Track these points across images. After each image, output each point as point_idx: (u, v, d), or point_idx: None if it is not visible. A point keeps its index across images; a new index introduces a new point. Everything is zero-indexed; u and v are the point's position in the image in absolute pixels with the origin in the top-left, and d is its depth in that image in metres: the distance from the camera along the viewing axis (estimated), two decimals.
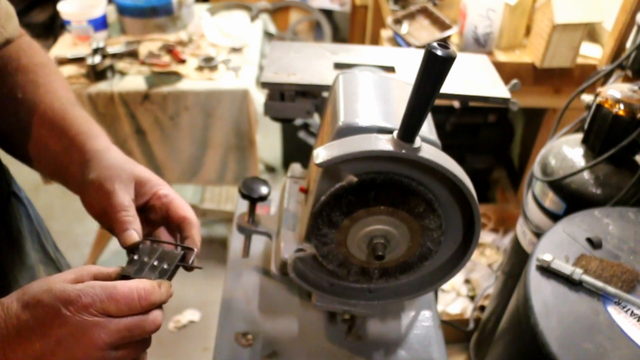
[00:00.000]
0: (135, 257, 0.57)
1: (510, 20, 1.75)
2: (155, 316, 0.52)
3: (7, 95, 0.67)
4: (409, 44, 1.79)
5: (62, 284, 0.48)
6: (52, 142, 0.65)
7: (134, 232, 0.57)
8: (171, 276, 0.57)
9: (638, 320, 0.85)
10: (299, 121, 1.02)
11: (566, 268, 0.92)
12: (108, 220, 0.59)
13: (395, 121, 0.67)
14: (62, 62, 1.88)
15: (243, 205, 1.01)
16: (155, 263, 0.57)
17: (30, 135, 0.66)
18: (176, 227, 0.63)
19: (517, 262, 1.41)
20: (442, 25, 1.82)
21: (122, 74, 1.85)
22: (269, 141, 2.90)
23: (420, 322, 0.93)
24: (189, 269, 0.60)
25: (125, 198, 0.58)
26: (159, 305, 0.53)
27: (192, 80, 1.83)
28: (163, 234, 0.65)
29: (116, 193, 0.58)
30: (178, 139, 1.90)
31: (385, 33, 1.98)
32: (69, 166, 0.63)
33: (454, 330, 1.79)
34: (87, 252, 2.29)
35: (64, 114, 0.65)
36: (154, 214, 0.63)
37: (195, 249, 0.60)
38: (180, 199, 0.64)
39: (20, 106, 0.66)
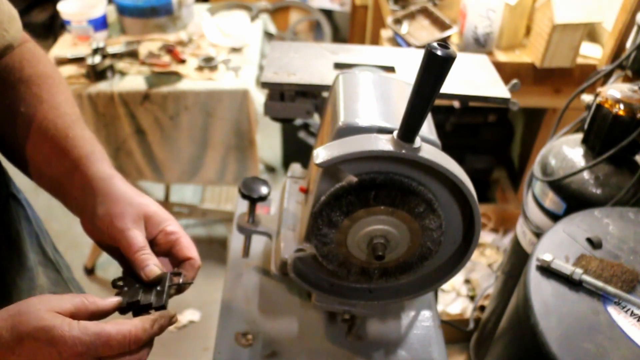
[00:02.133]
0: (125, 288, 0.58)
1: (510, 20, 1.75)
2: (141, 357, 0.53)
3: (9, 107, 0.66)
4: (409, 44, 1.79)
5: (61, 323, 0.48)
6: (53, 161, 0.64)
7: (155, 267, 0.58)
8: (167, 298, 0.59)
9: (638, 320, 0.85)
10: (299, 121, 1.02)
11: (566, 268, 0.92)
12: (115, 250, 0.60)
13: (395, 121, 0.67)
14: (62, 62, 1.88)
15: (243, 205, 1.01)
16: (142, 290, 0.58)
17: (31, 150, 0.65)
18: (177, 264, 0.64)
19: (517, 262, 1.41)
20: (442, 25, 1.82)
21: (122, 74, 1.85)
22: (269, 141, 2.90)
23: (420, 322, 0.93)
24: (180, 288, 0.61)
25: (139, 238, 0.59)
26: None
27: (192, 80, 1.83)
28: (163, 265, 0.64)
29: (130, 233, 0.58)
30: (178, 139, 1.90)
31: (385, 33, 1.98)
32: (71, 190, 0.63)
33: (454, 330, 1.79)
34: (87, 252, 2.29)
35: (66, 133, 0.64)
36: (157, 247, 0.64)
37: (184, 273, 0.61)
38: (186, 237, 0.64)
39: (23, 120, 0.65)
